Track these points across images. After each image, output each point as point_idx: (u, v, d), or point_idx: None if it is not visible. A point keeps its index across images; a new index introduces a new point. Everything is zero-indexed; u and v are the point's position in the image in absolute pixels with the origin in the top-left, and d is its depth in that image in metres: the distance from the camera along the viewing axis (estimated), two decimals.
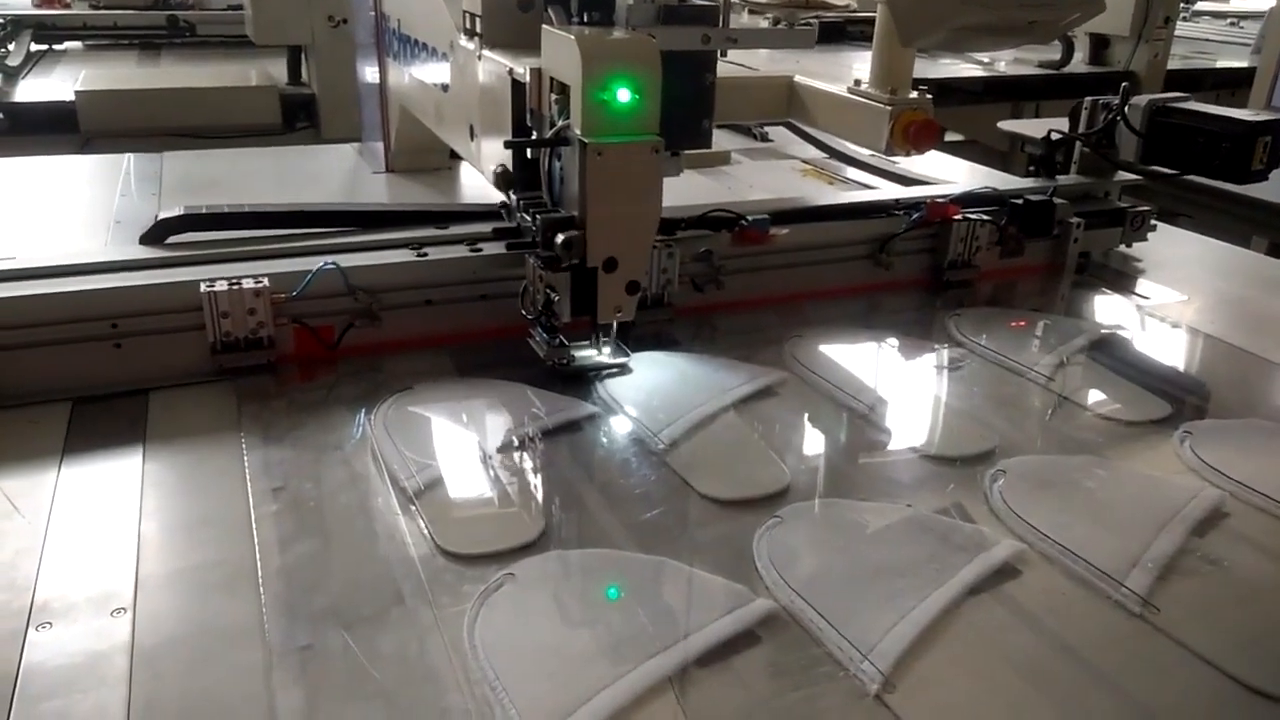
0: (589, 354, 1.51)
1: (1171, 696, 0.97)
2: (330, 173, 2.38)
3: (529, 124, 1.36)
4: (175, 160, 2.39)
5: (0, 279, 1.42)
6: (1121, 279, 2.11)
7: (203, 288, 1.44)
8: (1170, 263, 2.19)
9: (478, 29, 1.50)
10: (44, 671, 0.92)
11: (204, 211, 1.64)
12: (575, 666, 0.94)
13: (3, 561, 1.07)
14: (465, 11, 1.54)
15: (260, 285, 1.46)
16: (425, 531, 1.14)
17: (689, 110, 1.41)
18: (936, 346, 1.72)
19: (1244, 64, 5.14)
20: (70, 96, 3.21)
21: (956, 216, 1.93)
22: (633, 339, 1.59)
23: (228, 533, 1.13)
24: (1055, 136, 2.15)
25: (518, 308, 1.50)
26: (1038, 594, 1.09)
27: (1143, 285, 2.08)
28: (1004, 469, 1.31)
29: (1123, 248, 2.19)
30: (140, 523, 1.14)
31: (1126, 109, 2.01)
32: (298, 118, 3.53)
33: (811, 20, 3.97)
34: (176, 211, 1.62)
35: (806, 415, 1.50)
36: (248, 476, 1.24)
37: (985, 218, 1.96)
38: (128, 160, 2.38)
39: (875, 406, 1.50)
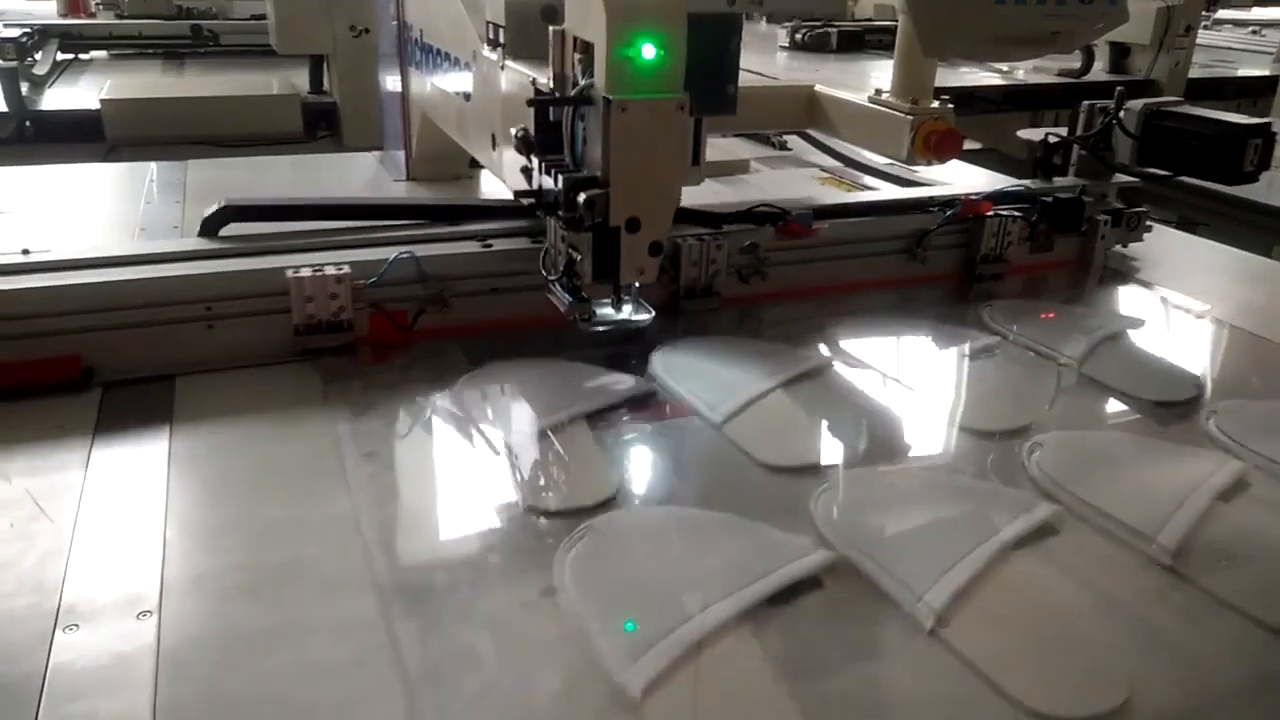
0: (609, 312, 1.46)
1: (1198, 638, 1.05)
2: (352, 181, 2.39)
3: (550, 84, 1.35)
4: (199, 168, 2.42)
5: (88, 266, 1.51)
6: (1141, 275, 2.15)
7: (289, 273, 1.52)
8: (1165, 262, 2.22)
9: (501, 39, 1.51)
10: (71, 672, 0.93)
11: (256, 204, 1.72)
12: (656, 604, 1.03)
13: (123, 540, 1.09)
14: (488, 22, 1.55)
15: (342, 271, 1.54)
16: (509, 491, 1.24)
17: (714, 75, 1.39)
18: (971, 334, 1.77)
19: (1266, 72, 5.11)
20: (96, 105, 3.24)
21: (989, 213, 1.98)
22: (682, 327, 1.72)
23: (328, 492, 1.23)
24: (1053, 140, 2.18)
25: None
26: (1075, 549, 1.18)
27: (1165, 281, 2.11)
28: (1040, 442, 1.38)
29: (1119, 248, 2.21)
30: (239, 485, 1.26)
31: (1122, 113, 2.05)
32: (319, 126, 3.56)
33: (830, 29, 3.98)
34: (232, 203, 1.69)
35: (852, 394, 1.57)
36: (340, 444, 1.33)
37: (1017, 214, 2.01)
38: (152, 168, 2.40)
39: (916, 387, 1.57)
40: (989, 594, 1.07)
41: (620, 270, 1.33)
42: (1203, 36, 4.89)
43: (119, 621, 0.99)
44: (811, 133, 2.76)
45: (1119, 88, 2.07)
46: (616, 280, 1.35)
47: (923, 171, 2.40)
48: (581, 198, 1.25)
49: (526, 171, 1.42)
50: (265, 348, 1.55)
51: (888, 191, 2.25)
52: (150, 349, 1.49)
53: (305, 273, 1.53)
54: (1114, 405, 1.57)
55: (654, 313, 1.49)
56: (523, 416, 1.42)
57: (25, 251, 1.52)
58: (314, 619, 1.02)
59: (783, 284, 1.86)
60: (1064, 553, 1.17)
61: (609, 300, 1.45)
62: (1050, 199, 2.04)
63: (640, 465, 1.36)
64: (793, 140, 2.87)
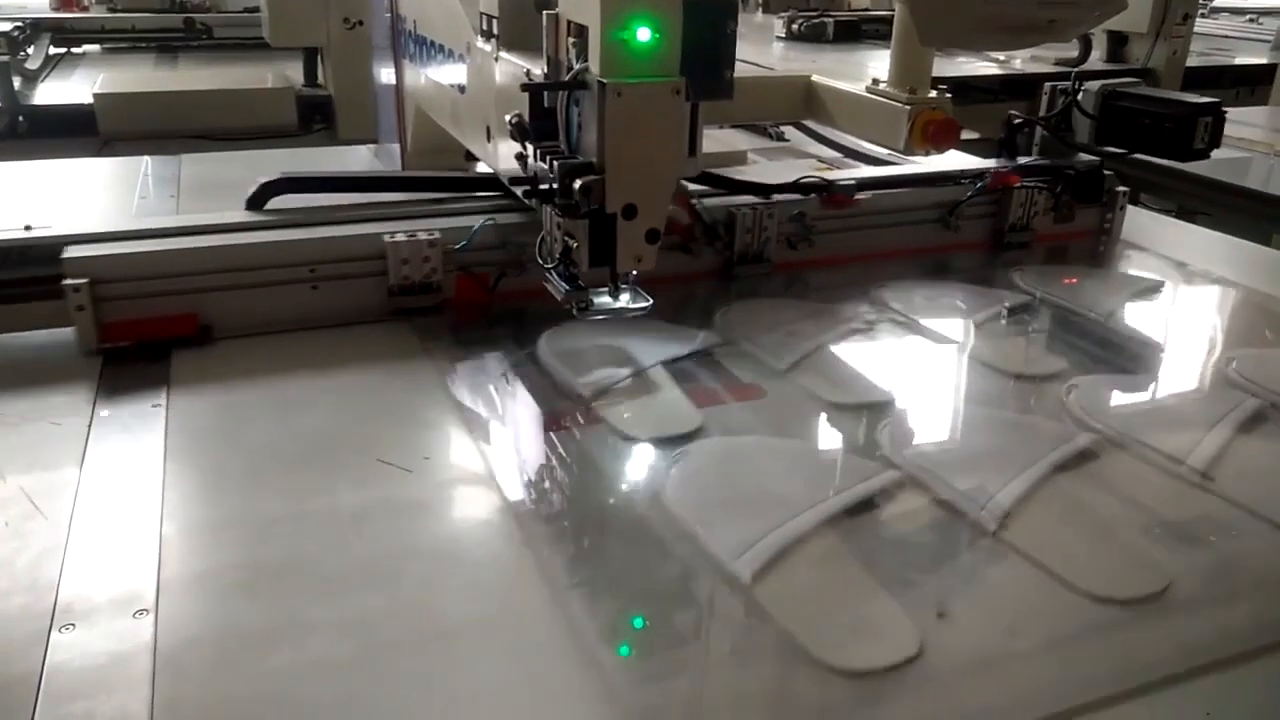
0: (606, 301, 1.45)
1: (1228, 541, 1.21)
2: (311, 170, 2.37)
3: (545, 104, 1.34)
4: (193, 162, 2.40)
5: (195, 232, 1.62)
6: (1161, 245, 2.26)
7: (386, 238, 1.63)
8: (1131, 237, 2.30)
9: (495, 30, 1.50)
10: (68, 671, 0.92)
11: (300, 177, 1.83)
12: (751, 513, 1.17)
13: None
14: (482, 13, 1.53)
15: (434, 236, 1.65)
16: (607, 425, 1.38)
17: (711, 60, 1.37)
18: (1005, 294, 1.91)
19: (1264, 60, 5.10)
20: (89, 99, 3.23)
21: (1017, 184, 2.08)
22: (735, 292, 1.85)
23: (446, 434, 1.35)
24: (1016, 120, 2.24)
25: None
26: (1114, 471, 1.34)
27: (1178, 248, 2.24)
28: (1076, 383, 1.53)
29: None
30: (365, 427, 1.38)
31: (1080, 94, 2.13)
32: (314, 119, 3.54)
33: (826, 19, 3.97)
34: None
35: (900, 346, 1.71)
36: (451, 390, 1.47)
37: (1042, 185, 2.11)
38: (146, 163, 2.39)
39: (959, 339, 1.71)
40: (1042, 505, 1.22)
41: (617, 257, 1.31)
42: (1200, 24, 4.87)
43: (115, 620, 0.99)
44: (808, 124, 2.75)
45: (1075, 70, 2.12)
46: (613, 268, 1.34)
47: (920, 162, 2.39)
48: (577, 184, 1.23)
49: (521, 158, 1.40)
50: (362, 307, 1.66)
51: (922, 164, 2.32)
52: (259, 308, 1.61)
53: (400, 238, 1.64)
54: (1139, 352, 1.76)
55: (651, 301, 1.48)
56: (605, 365, 1.53)
57: (27, 228, 1.59)
58: (313, 617, 1.01)
59: (827, 251, 1.97)
60: (1104, 474, 1.32)
61: (606, 289, 1.44)
62: (1073, 171, 2.13)
63: (718, 403, 1.48)
64: (789, 131, 2.86)
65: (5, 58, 3.49)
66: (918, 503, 1.23)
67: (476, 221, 1.70)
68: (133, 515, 1.15)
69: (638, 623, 1.05)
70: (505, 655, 0.98)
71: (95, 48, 4.67)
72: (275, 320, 1.62)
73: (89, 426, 1.34)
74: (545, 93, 1.32)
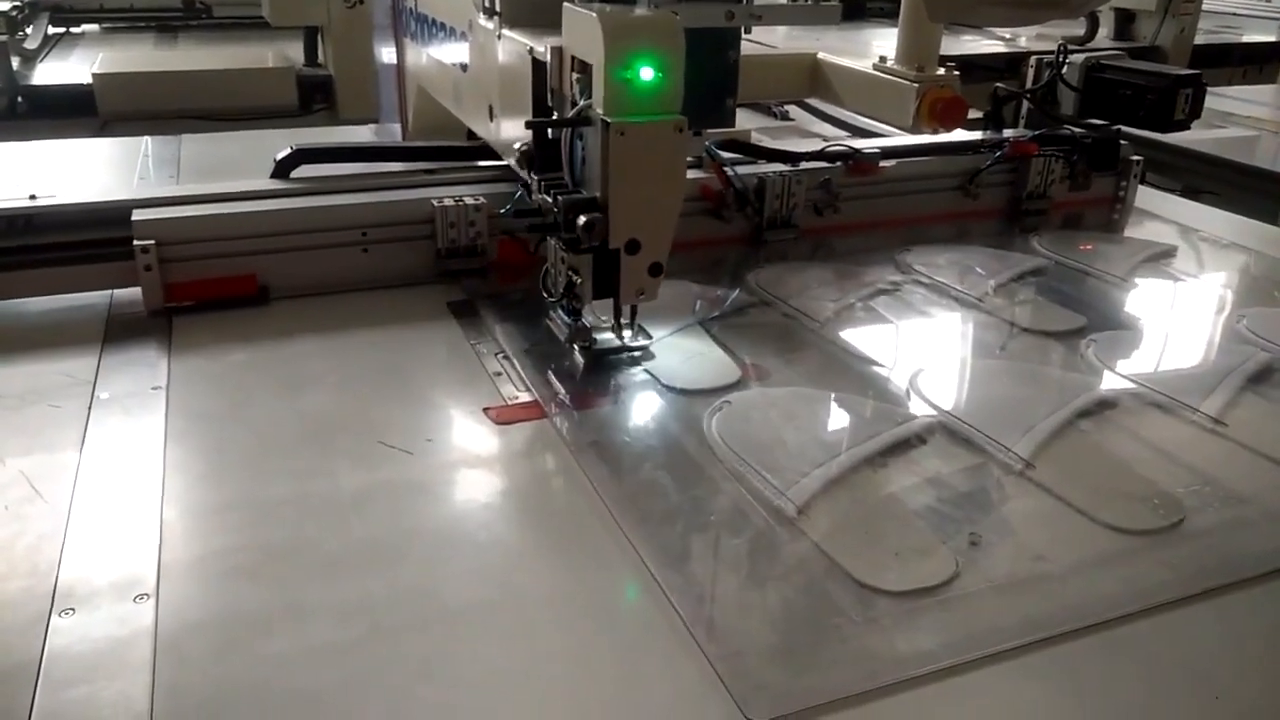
0: (609, 337, 1.49)
1: (1238, 478, 1.27)
2: (337, 141, 2.36)
3: (550, 104, 1.34)
4: (193, 143, 2.39)
5: (255, 198, 1.69)
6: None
7: (434, 203, 1.68)
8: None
9: (497, 8, 1.48)
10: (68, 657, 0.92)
11: (321, 147, 1.87)
12: (797, 451, 1.26)
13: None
14: None
15: (479, 201, 1.71)
16: (650, 375, 1.45)
17: (712, 88, 1.39)
18: (1025, 258, 1.96)
19: (1272, 39, 5.05)
20: (88, 79, 3.20)
21: (1036, 153, 2.11)
22: (764, 256, 1.90)
23: (550, 448, 1.32)
24: (1002, 93, 2.25)
25: (678, 228, 1.66)
26: (1131, 417, 1.41)
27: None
28: (1095, 339, 1.61)
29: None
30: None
31: (1064, 67, 2.12)
32: (314, 99, 3.51)
33: None
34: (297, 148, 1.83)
35: (926, 305, 1.76)
36: (499, 340, 1.53)
37: (1059, 154, 2.14)
38: (146, 143, 2.37)
39: (983, 298, 1.76)
40: (1065, 448, 1.30)
41: (620, 291, 1.33)
42: (1208, 2, 4.82)
43: (116, 605, 0.98)
44: (813, 102, 2.72)
45: (1060, 43, 2.11)
46: (617, 301, 1.36)
47: (927, 140, 2.37)
48: (581, 220, 1.24)
49: (526, 188, 1.44)
50: (411, 269, 1.72)
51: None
52: (315, 270, 1.67)
53: (448, 202, 1.69)
54: (1154, 308, 1.83)
55: (653, 338, 1.51)
56: (650, 321, 1.55)
57: (32, 197, 1.62)
58: (315, 601, 1.00)
59: (851, 217, 2.01)
60: (1122, 420, 1.40)
61: (608, 324, 1.48)
62: (1090, 140, 2.16)
63: (757, 358, 1.52)
64: (794, 110, 2.84)
65: (4, 37, 3.46)
66: (949, 445, 1.31)
67: (517, 188, 1.69)
68: (133, 498, 1.15)
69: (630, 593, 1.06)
70: (508, 638, 0.97)
71: (94, 27, 4.64)
72: (327, 282, 1.68)
73: (89, 408, 1.33)
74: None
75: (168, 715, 0.86)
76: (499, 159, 1.80)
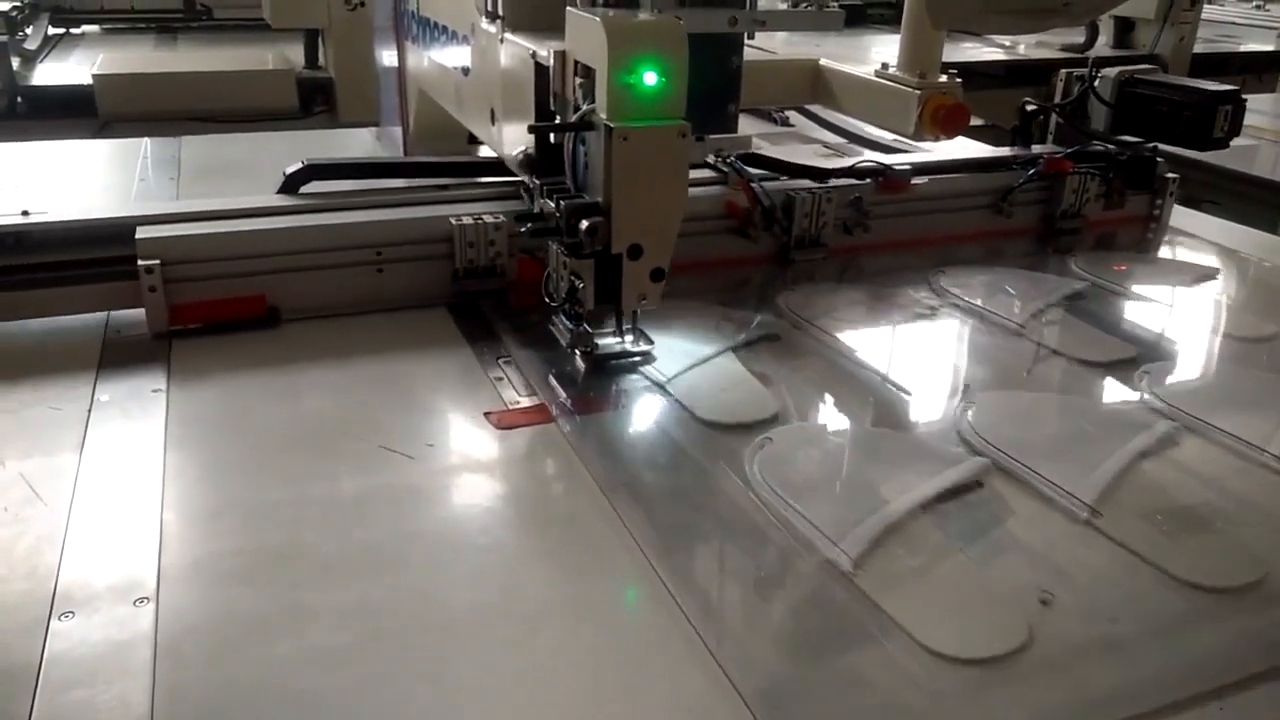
0: (611, 342, 1.49)
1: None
2: (348, 156, 2.36)
3: (552, 108, 1.34)
4: (193, 144, 2.39)
5: (264, 214, 1.61)
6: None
7: (452, 221, 1.61)
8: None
9: (500, 11, 1.48)
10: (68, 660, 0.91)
11: (328, 163, 1.79)
12: (846, 495, 1.21)
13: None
14: None
15: (499, 220, 1.63)
16: (683, 408, 1.36)
17: (715, 94, 1.39)
18: (1064, 280, 1.89)
19: (1270, 48, 5.06)
20: (88, 80, 3.20)
21: (1071, 170, 2.06)
22: (791, 277, 1.83)
23: (552, 452, 1.30)
24: (1030, 108, 2.20)
25: (699, 246, 1.64)
26: (1195, 457, 1.34)
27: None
28: (1148, 370, 1.53)
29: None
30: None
31: (1097, 81, 2.08)
32: (315, 101, 3.52)
33: (836, 3, 3.93)
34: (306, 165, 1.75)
35: (966, 332, 1.69)
36: (553, 404, 1.40)
37: (1095, 171, 2.09)
38: (146, 144, 2.37)
39: (1025, 325, 1.68)
40: (1129, 492, 1.22)
41: (622, 296, 1.33)
42: (1207, 11, 4.83)
43: (115, 608, 0.97)
44: (814, 109, 2.72)
45: (1092, 56, 2.07)
46: (619, 306, 1.36)
47: (928, 147, 2.37)
48: (583, 225, 1.24)
49: (528, 192, 1.43)
50: (426, 290, 1.65)
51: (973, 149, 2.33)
52: (326, 290, 1.60)
53: (467, 221, 1.62)
54: (1205, 338, 1.74)
55: (654, 343, 1.50)
56: (677, 348, 1.51)
57: (25, 213, 1.55)
58: (315, 604, 1.00)
59: (881, 236, 1.95)
60: (1187, 460, 1.32)
61: (610, 330, 1.47)
62: (1125, 158, 2.11)
63: (791, 389, 1.46)
64: (794, 116, 2.84)
65: (4, 38, 3.46)
66: (1007, 490, 1.23)
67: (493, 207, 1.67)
68: (133, 501, 1.14)
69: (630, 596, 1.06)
70: (508, 643, 0.97)
71: (94, 28, 4.64)
72: (339, 303, 1.62)
73: (89, 411, 1.32)
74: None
75: (168, 719, 0.85)
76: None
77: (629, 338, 1.49)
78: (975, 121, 3.66)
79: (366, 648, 0.95)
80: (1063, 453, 1.29)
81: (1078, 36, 4.45)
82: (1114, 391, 1.53)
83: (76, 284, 1.53)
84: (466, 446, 1.30)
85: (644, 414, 1.40)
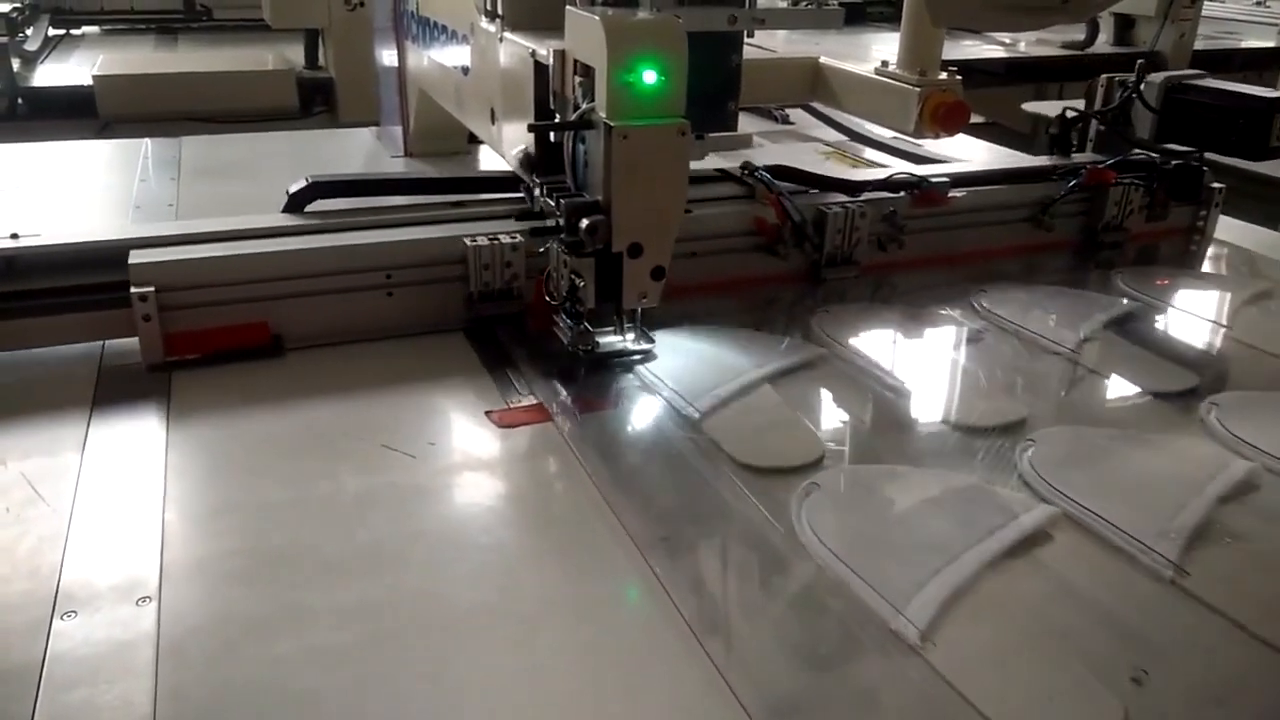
0: (613, 340, 1.49)
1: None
2: (349, 157, 2.36)
3: (552, 107, 1.34)
4: (193, 145, 2.39)
5: (266, 235, 1.53)
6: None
7: (466, 242, 1.54)
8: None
9: (499, 10, 1.48)
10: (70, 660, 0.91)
11: (335, 180, 1.71)
12: (906, 552, 1.08)
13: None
14: None
15: (516, 240, 1.56)
16: (720, 450, 1.26)
17: (715, 92, 1.39)
18: (1111, 300, 1.79)
19: (1271, 44, 5.06)
20: (88, 81, 3.20)
21: (1113, 181, 1.98)
22: (822, 296, 1.76)
23: (553, 451, 1.27)
24: (1071, 114, 2.14)
25: (726, 264, 1.61)
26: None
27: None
28: (1215, 402, 1.41)
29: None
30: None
31: (1142, 86, 2.00)
32: (315, 102, 3.51)
33: (836, 0, 3.93)
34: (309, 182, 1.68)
35: (1015, 359, 1.58)
36: (554, 403, 1.37)
37: (1138, 183, 2.01)
38: (146, 145, 2.37)
39: (1077, 350, 1.59)
40: (1215, 546, 1.11)
41: (623, 295, 1.33)
42: (1207, 8, 4.82)
43: (118, 608, 0.98)
44: (815, 106, 2.72)
45: (1139, 60, 2.03)
46: (619, 305, 1.36)
47: (927, 145, 2.37)
48: (584, 224, 1.25)
49: (528, 191, 1.43)
50: (439, 315, 1.58)
51: (1008, 164, 2.24)
52: (333, 316, 1.52)
53: (482, 241, 1.55)
54: (1271, 365, 1.60)
55: (655, 341, 1.49)
56: (709, 380, 1.42)
57: (14, 236, 1.48)
58: (317, 603, 1.00)
59: (914, 252, 1.87)
60: (1272, 506, 1.20)
61: (611, 329, 1.47)
62: (1170, 167, 2.03)
63: (837, 427, 1.40)
64: (795, 114, 2.84)
65: (4, 39, 3.45)
66: (1081, 543, 1.12)
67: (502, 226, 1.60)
68: (135, 501, 1.14)
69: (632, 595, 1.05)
70: (510, 642, 0.97)
71: (94, 29, 4.63)
72: (347, 330, 1.54)
73: (90, 411, 1.32)
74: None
75: (170, 719, 0.86)
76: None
77: (630, 336, 1.49)
78: (976, 119, 3.67)
79: (367, 647, 0.95)
80: (1135, 499, 1.18)
81: (1078, 34, 4.45)
82: (1181, 426, 1.41)
83: (66, 312, 1.45)
84: (469, 445, 1.30)
85: (644, 414, 1.38)
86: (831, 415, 1.42)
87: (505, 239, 1.56)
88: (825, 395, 1.46)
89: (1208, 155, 2.01)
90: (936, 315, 1.71)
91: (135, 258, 1.42)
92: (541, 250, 1.50)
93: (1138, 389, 1.50)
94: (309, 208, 1.65)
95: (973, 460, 1.28)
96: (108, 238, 1.49)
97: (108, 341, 1.49)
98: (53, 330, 1.45)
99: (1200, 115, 1.94)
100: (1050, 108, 3.51)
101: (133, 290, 1.40)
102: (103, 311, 1.44)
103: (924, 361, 1.55)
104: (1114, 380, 1.53)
